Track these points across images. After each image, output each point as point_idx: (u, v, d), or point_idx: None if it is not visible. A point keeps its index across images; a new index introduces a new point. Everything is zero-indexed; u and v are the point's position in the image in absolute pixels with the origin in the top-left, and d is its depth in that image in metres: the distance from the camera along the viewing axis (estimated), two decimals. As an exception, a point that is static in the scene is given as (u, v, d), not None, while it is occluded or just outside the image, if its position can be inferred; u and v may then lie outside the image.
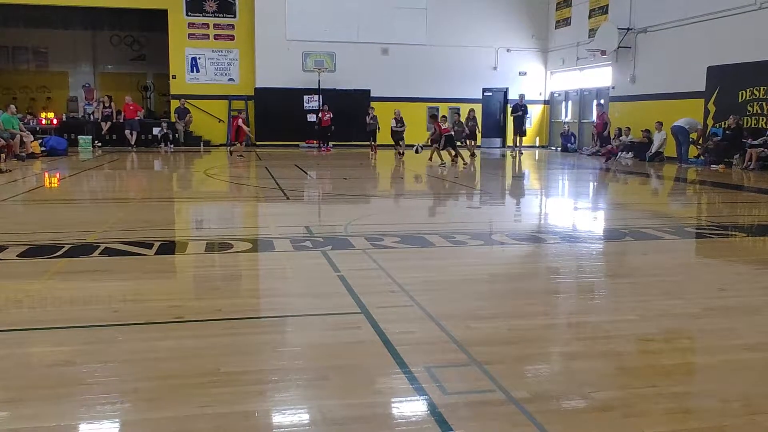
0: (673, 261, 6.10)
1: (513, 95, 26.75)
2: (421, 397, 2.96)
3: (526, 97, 24.16)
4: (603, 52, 21.94)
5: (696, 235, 7.56)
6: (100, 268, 5.49)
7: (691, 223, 8.69)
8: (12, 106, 19.47)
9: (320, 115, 23.12)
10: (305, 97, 24.34)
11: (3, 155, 16.94)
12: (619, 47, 21.29)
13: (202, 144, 24.46)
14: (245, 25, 25.01)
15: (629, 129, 21.11)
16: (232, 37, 25.25)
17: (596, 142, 22.48)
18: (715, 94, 17.39)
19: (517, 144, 23.84)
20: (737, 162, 16.43)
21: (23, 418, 2.75)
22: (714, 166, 16.37)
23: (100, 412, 2.82)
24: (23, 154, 17.58)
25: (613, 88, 22.48)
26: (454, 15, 25.47)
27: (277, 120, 24.23)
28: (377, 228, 7.64)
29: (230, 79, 25.37)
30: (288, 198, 10.49)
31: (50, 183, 13.02)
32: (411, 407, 2.91)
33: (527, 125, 24.65)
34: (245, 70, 25.18)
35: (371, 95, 25.18)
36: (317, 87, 24.42)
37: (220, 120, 25.08)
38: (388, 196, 11.56)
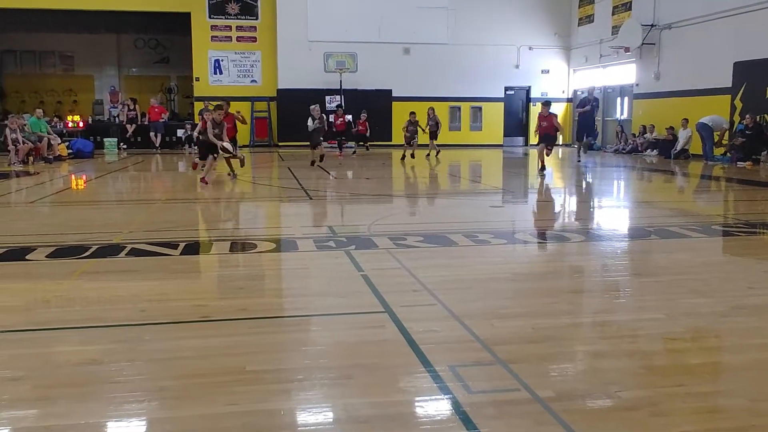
0: (699, 259, 6.02)
1: (535, 93, 26.61)
2: (446, 396, 2.95)
3: (549, 94, 23.79)
4: (627, 49, 21.72)
5: (723, 233, 7.46)
6: (126, 269, 5.56)
7: (717, 220, 8.57)
8: (39, 110, 19.81)
9: (333, 117, 20.47)
10: (327, 98, 24.41)
11: (31, 158, 17.24)
12: (643, 44, 21.07)
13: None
14: (267, 26, 25.15)
15: (653, 126, 20.89)
16: (254, 39, 25.42)
17: (621, 140, 22.28)
18: (741, 90, 17.13)
19: (580, 150, 18.43)
20: (765, 159, 16.17)
21: (53, 415, 2.80)
22: (740, 163, 16.13)
23: (128, 410, 2.85)
24: (50, 156, 17.87)
25: (636, 85, 22.25)
26: (476, 14, 25.39)
27: (300, 121, 24.11)
28: (400, 227, 7.64)
29: (253, 81, 25.54)
30: (311, 198, 10.53)
31: (77, 185, 13.20)
32: (435, 406, 2.90)
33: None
34: (267, 71, 25.34)
35: (393, 95, 25.19)
36: (339, 87, 24.49)
37: (243, 122, 25.19)
38: (411, 196, 11.55)
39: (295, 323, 4.17)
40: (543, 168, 13.93)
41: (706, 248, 6.67)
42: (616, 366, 3.34)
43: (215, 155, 11.96)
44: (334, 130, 20.33)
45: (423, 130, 19.25)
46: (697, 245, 6.70)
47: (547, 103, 14.67)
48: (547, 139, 14.24)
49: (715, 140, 17.59)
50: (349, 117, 21.20)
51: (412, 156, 18.78)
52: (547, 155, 14.40)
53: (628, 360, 3.42)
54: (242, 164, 13.61)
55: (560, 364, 3.39)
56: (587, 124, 18.44)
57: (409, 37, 25.19)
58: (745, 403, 2.91)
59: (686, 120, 18.77)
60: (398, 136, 22.79)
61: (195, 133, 15.13)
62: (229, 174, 12.93)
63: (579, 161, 17.83)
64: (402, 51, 25.42)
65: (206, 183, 11.51)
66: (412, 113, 19.15)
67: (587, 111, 18.02)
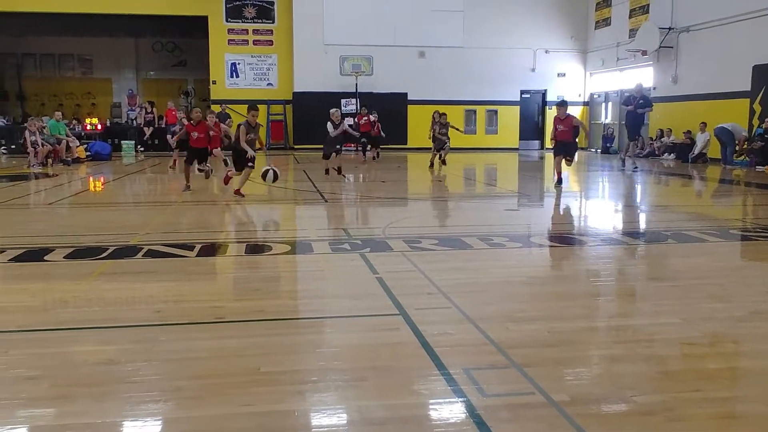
0: (717, 264, 5.96)
1: (551, 97, 26.50)
2: (460, 399, 2.95)
3: (565, 98, 23.55)
4: (644, 53, 21.58)
5: (741, 238, 7.38)
6: (143, 270, 5.60)
7: (735, 225, 8.49)
8: (58, 113, 20.02)
9: (357, 118, 19.49)
10: (343, 101, 24.44)
11: (50, 160, 17.42)
12: (660, 47, 20.92)
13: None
14: (284, 30, 25.26)
15: (671, 130, 20.73)
16: (270, 43, 25.54)
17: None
18: (761, 94, 16.96)
19: (625, 153, 17.08)
20: (785, 163, 15.99)
21: (71, 414, 2.83)
22: (759, 167, 15.96)
23: (144, 409, 2.88)
24: (69, 158, 18.05)
25: (654, 88, 22.09)
26: (491, 17, 25.33)
27: (315, 124, 24.19)
28: (415, 230, 7.64)
29: (269, 84, 25.66)
30: (326, 201, 10.55)
31: (95, 187, 13.32)
32: (450, 409, 2.90)
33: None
34: (284, 74, 25.44)
35: (408, 98, 25.20)
36: (354, 91, 24.53)
37: (259, 125, 25.35)
38: (426, 199, 11.54)
39: (310, 325, 4.18)
40: (560, 181, 11.95)
41: (724, 253, 6.61)
42: (632, 370, 3.31)
43: (251, 165, 10.61)
44: (359, 131, 17.75)
45: (459, 131, 18.25)
46: (715, 249, 6.64)
47: (562, 104, 12.36)
48: (566, 148, 12.14)
49: (736, 150, 17.42)
50: (374, 116, 19.37)
51: (444, 162, 16.60)
52: (568, 165, 12.61)
53: (644, 364, 3.40)
54: (207, 177, 12.44)
55: (575, 367, 3.37)
56: (635, 125, 16.57)
57: (424, 40, 25.20)
58: (763, 409, 2.88)
59: (704, 124, 18.60)
60: (413, 139, 22.82)
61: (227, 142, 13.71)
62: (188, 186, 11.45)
63: (626, 168, 16.03)
64: (417, 54, 25.42)
65: (242, 195, 10.43)
66: (443, 114, 16.95)
67: (632, 109, 16.23)
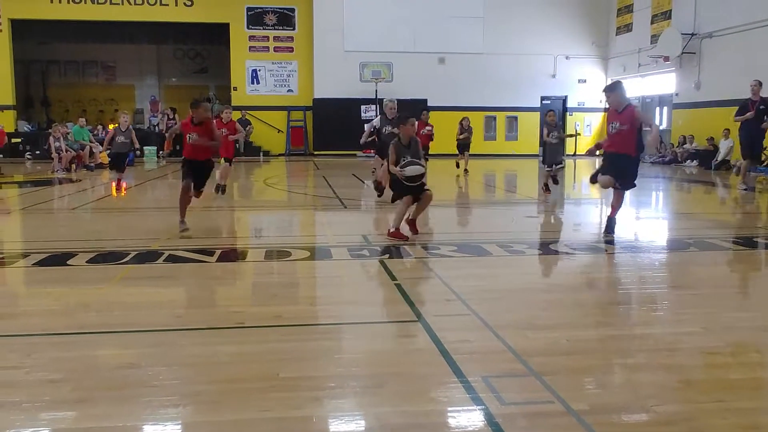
0: (739, 272, 5.89)
1: (572, 103, 26.38)
2: (478, 407, 2.94)
3: (586, 104, 23.41)
4: (666, 58, 21.40)
5: (765, 246, 7.28)
6: (164, 275, 5.65)
7: (758, 233, 8.37)
8: (82, 119, 20.31)
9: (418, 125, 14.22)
10: (362, 107, 24.53)
11: (73, 165, 17.65)
12: (682, 53, 20.74)
13: (261, 154, 24.92)
14: (304, 37, 25.43)
15: (693, 137, 20.52)
16: (291, 49, 25.72)
17: (660, 150, 21.92)
18: (785, 100, 16.69)
19: (740, 174, 13.09)
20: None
21: (92, 417, 2.86)
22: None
23: (164, 414, 2.90)
24: (92, 164, 18.29)
25: (676, 94, 21.89)
26: (511, 23, 25.29)
27: (335, 130, 24.47)
28: (434, 236, 7.63)
29: (289, 90, 25.82)
30: (345, 207, 10.58)
31: (117, 192, 13.47)
32: (468, 417, 2.89)
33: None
34: (304, 81, 25.59)
35: (428, 104, 25.18)
36: (374, 97, 24.59)
37: (279, 130, 25.56)
38: (446, 205, 11.52)
39: (328, 331, 4.19)
40: (610, 229, 7.34)
41: (747, 261, 6.52)
42: (652, 380, 3.28)
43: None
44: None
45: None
46: (738, 258, 6.55)
47: (614, 87, 7.32)
48: (619, 164, 7.22)
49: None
50: (429, 128, 15.05)
51: (466, 171, 16.58)
52: (617, 188, 7.38)
53: (665, 374, 3.36)
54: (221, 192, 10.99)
55: (595, 376, 3.34)
56: (752, 136, 12.73)
57: (444, 46, 25.21)
58: (786, 421, 2.83)
59: (728, 130, 18.39)
60: (433, 145, 22.64)
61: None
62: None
63: (738, 187, 12.87)
64: (437, 60, 25.44)
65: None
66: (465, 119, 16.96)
67: (749, 118, 12.50)
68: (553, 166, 11.47)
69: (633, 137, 7.05)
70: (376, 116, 20.48)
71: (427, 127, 14.52)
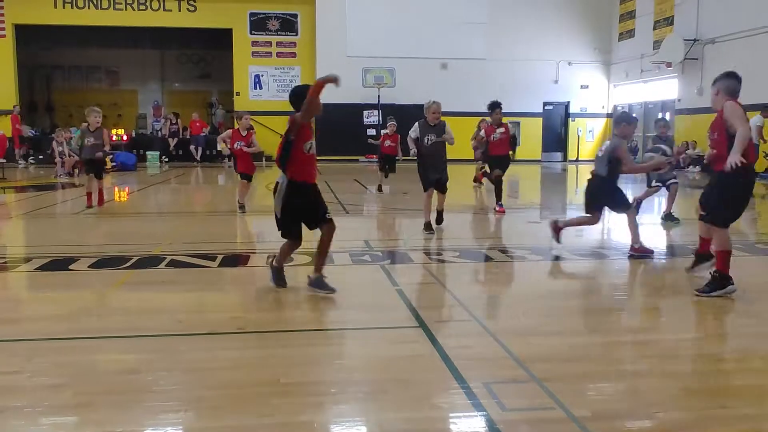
0: (744, 279, 5.86)
1: (574, 109, 26.37)
2: (480, 413, 2.93)
3: (588, 110, 23.31)
4: (668, 64, 21.40)
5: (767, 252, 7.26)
6: (165, 280, 5.65)
7: (762, 239, 8.35)
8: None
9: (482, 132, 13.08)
10: (365, 113, 24.55)
11: (76, 170, 17.67)
12: (685, 59, 20.74)
13: (264, 159, 24.93)
14: (307, 42, 25.48)
15: (695, 142, 20.50)
16: (293, 55, 25.77)
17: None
18: (788, 106, 16.70)
19: None
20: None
21: (93, 422, 2.85)
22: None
23: (165, 419, 2.89)
24: (95, 169, 18.26)
25: (679, 100, 21.88)
26: (514, 29, 25.31)
27: (337, 135, 24.48)
28: (436, 242, 7.62)
29: (292, 96, 25.86)
30: (347, 212, 10.57)
31: (120, 197, 13.48)
32: (469, 423, 2.88)
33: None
34: (306, 86, 25.62)
35: (430, 110, 25.21)
36: (377, 102, 24.62)
37: (281, 135, 25.57)
38: (448, 211, 11.51)
39: (330, 336, 4.18)
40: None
41: (751, 267, 6.50)
42: (655, 386, 3.26)
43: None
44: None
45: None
46: (742, 264, 6.52)
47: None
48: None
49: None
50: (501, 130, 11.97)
51: (478, 181, 15.40)
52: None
53: (668, 380, 3.35)
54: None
55: (597, 383, 3.33)
56: None
57: (446, 52, 25.23)
58: (790, 428, 2.82)
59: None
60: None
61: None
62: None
63: None
64: (440, 66, 25.45)
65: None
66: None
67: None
68: (661, 183, 9.42)
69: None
70: (379, 122, 20.35)
71: (499, 130, 11.44)
